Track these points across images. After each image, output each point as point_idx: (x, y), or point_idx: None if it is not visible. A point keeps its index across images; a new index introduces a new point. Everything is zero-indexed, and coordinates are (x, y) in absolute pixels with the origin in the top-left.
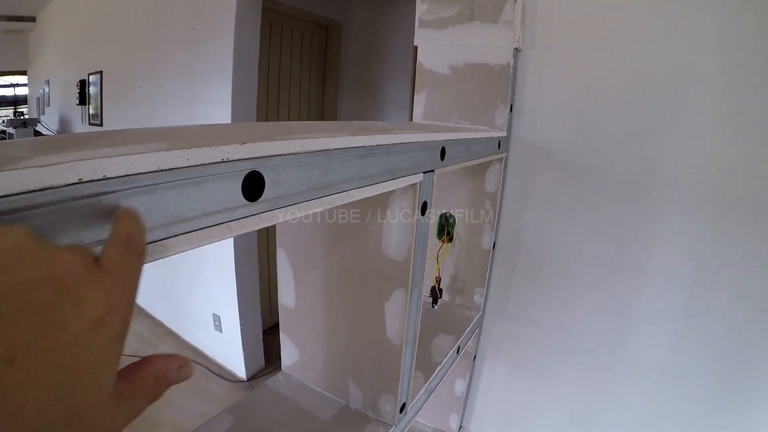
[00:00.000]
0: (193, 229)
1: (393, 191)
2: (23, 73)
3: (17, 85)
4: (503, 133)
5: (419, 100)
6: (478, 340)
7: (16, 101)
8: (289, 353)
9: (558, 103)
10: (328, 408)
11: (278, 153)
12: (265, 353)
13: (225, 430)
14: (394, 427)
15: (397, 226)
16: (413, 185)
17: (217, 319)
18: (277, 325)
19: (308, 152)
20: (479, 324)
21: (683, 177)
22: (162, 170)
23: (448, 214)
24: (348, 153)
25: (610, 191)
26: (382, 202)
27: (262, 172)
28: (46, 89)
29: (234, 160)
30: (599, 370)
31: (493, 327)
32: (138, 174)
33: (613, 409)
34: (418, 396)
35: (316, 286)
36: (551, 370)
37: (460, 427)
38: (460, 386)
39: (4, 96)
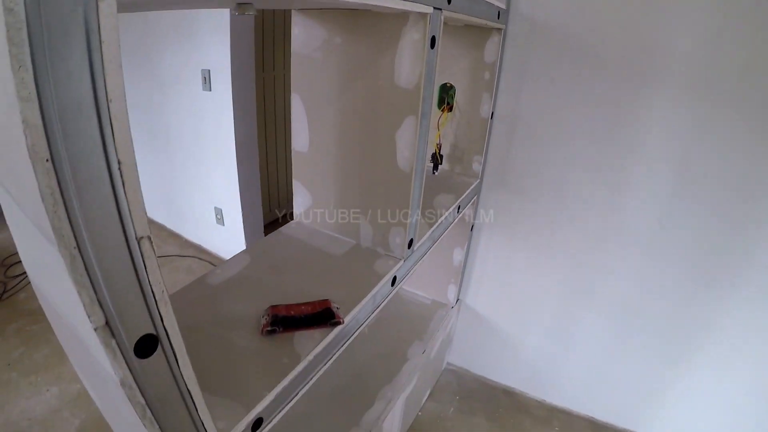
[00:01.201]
0: None
1: (405, 24)
2: None
3: None
4: (502, 5)
5: None
6: (476, 210)
7: None
8: (301, 200)
9: None
10: (340, 247)
11: None
12: None
13: (244, 266)
14: (403, 261)
15: (408, 57)
16: (424, 17)
17: (218, 212)
18: (276, 221)
19: None
20: (477, 192)
21: (676, 60)
22: None
23: (448, 85)
24: None
25: (606, 69)
26: (394, 35)
27: None
28: None
29: None
30: (591, 242)
31: (490, 197)
32: None
33: (603, 280)
34: (423, 239)
35: (329, 127)
36: (545, 240)
37: (458, 299)
38: (458, 255)
39: None
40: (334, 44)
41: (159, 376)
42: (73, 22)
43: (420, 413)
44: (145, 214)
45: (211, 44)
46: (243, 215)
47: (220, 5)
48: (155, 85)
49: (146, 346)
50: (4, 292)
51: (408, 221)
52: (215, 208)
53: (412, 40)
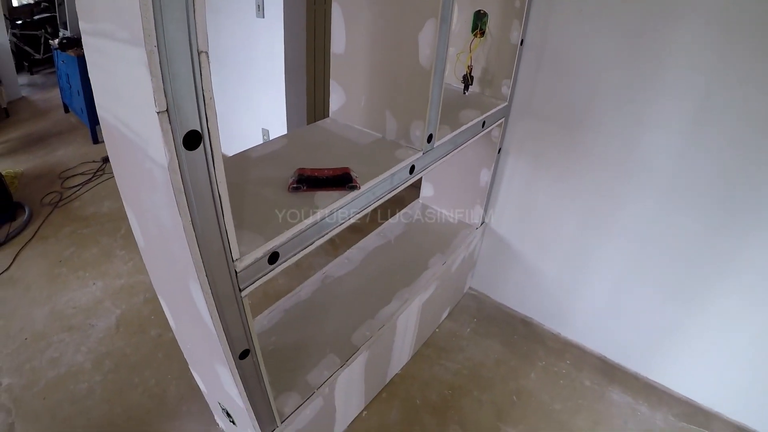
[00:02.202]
0: None
1: None
2: None
3: None
4: None
5: None
6: (503, 134)
7: None
8: (336, 98)
9: None
10: (367, 138)
11: None
12: None
13: (281, 146)
14: (422, 153)
15: None
16: None
17: (265, 133)
18: None
19: None
20: (505, 115)
21: None
22: None
23: (482, 12)
24: None
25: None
26: None
27: None
28: None
29: None
30: (612, 171)
31: (517, 121)
32: None
33: (622, 211)
34: (444, 139)
35: (362, 30)
36: (568, 168)
37: (483, 221)
38: (485, 176)
39: None
40: None
41: (198, 170)
42: None
43: (437, 329)
44: (206, 36)
45: None
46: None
47: None
48: (211, 9)
49: (192, 140)
50: (60, 200)
51: (427, 115)
52: (262, 129)
53: None
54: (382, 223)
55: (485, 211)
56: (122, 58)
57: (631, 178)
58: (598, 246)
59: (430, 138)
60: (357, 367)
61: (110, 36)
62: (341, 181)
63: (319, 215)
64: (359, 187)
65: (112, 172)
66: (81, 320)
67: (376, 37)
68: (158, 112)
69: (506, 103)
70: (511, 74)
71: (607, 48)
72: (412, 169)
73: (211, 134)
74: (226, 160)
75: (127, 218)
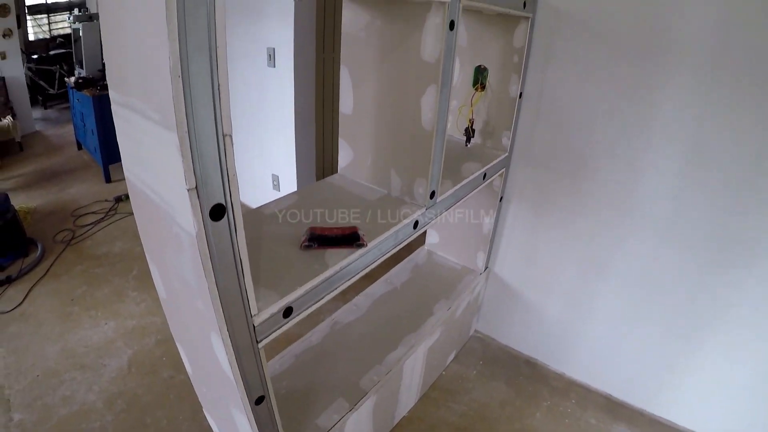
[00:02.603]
0: None
1: (429, 10)
2: None
3: None
4: None
5: None
6: (505, 182)
7: (71, 6)
8: (345, 155)
9: None
10: (373, 195)
11: None
12: None
13: (293, 203)
14: (424, 209)
15: (431, 37)
16: (443, 4)
17: (275, 179)
18: None
19: None
20: (506, 165)
21: (687, 41)
22: None
23: (482, 67)
24: None
25: (623, 51)
26: (420, 18)
27: None
28: None
29: None
30: (611, 216)
31: (517, 170)
32: None
33: (620, 254)
34: (446, 194)
35: (369, 93)
36: (569, 213)
37: (486, 267)
38: (487, 224)
39: (59, 2)
40: (375, 25)
41: (222, 238)
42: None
43: (444, 372)
44: (230, 121)
45: (276, 25)
46: (298, 183)
47: None
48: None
49: (217, 213)
50: (73, 238)
51: (429, 173)
52: (272, 174)
53: (434, 23)
54: (389, 269)
55: (488, 256)
56: (152, 135)
57: (628, 221)
58: (598, 287)
59: (432, 194)
60: (365, 410)
61: (140, 112)
62: (349, 239)
63: (329, 272)
64: (366, 245)
65: (124, 212)
66: (93, 359)
67: (382, 99)
68: (188, 189)
69: (507, 154)
70: (511, 125)
71: (602, 98)
72: (416, 225)
73: (234, 206)
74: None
75: (139, 259)
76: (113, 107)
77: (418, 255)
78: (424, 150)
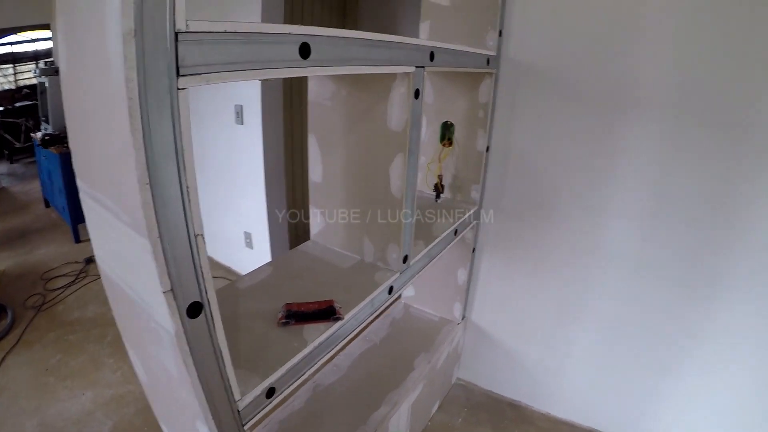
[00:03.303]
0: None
1: (394, 80)
2: (46, 27)
3: (37, 39)
4: (492, 53)
5: (424, 27)
6: (476, 234)
7: (37, 56)
8: (317, 222)
9: (542, 28)
10: (347, 262)
11: (320, 34)
12: None
13: (267, 275)
14: (398, 274)
15: (397, 106)
16: (408, 75)
17: (248, 236)
18: (301, 241)
19: (337, 36)
20: (476, 218)
21: (650, 93)
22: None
23: (448, 123)
24: (362, 42)
25: (586, 104)
26: (386, 88)
27: (310, 44)
28: None
29: (294, 34)
30: (580, 260)
31: (489, 222)
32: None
33: (593, 295)
34: (418, 256)
35: (338, 161)
36: (539, 260)
37: (464, 316)
38: (462, 276)
39: (25, 52)
40: (341, 95)
41: (201, 334)
42: (165, 102)
43: (429, 423)
44: (201, 220)
45: (243, 83)
46: (270, 239)
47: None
48: (194, 118)
49: (195, 310)
50: (44, 303)
51: (401, 239)
52: (245, 232)
53: (399, 93)
54: (367, 325)
55: (465, 306)
56: (125, 235)
57: (599, 264)
58: (574, 327)
59: (405, 258)
60: None
61: (111, 211)
62: (326, 313)
63: (308, 349)
64: (343, 318)
65: (95, 275)
66: None
67: (351, 168)
68: (164, 292)
69: (477, 207)
70: (480, 180)
71: (566, 146)
72: (390, 290)
73: (210, 302)
74: (218, 292)
75: (112, 324)
76: (81, 195)
77: (395, 309)
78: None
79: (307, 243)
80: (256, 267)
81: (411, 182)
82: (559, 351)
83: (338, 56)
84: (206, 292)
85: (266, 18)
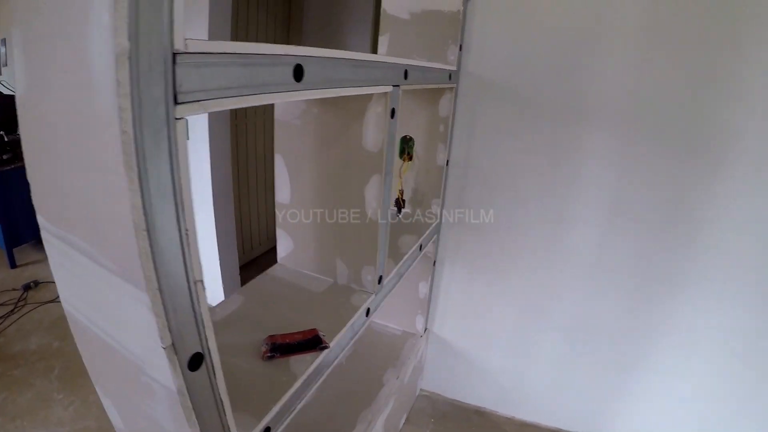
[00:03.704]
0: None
1: (370, 100)
2: None
3: None
4: (453, 68)
5: (383, 41)
6: (437, 247)
7: None
8: (284, 245)
9: (501, 43)
10: (320, 285)
11: (313, 55)
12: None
13: (239, 305)
14: (374, 296)
15: (373, 126)
16: (385, 94)
17: None
18: (251, 262)
19: (328, 57)
20: (437, 231)
21: (605, 104)
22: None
23: (408, 137)
24: (350, 62)
25: (545, 116)
26: (361, 108)
27: (303, 65)
28: (3, 49)
29: (288, 55)
30: (540, 268)
31: (449, 234)
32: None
33: (553, 300)
34: (390, 275)
35: (307, 182)
36: (500, 270)
37: (426, 329)
38: (423, 289)
39: None
40: (311, 114)
41: (202, 386)
42: (161, 134)
43: None
44: (200, 265)
45: None
46: (220, 260)
47: None
48: None
49: (196, 362)
50: None
51: (377, 261)
52: None
53: (376, 112)
54: None
55: (427, 319)
56: (107, 283)
57: (559, 270)
58: (537, 332)
59: (380, 279)
60: None
61: (87, 255)
62: (312, 343)
63: (299, 383)
64: (329, 346)
65: (35, 302)
66: None
67: (322, 188)
68: (164, 347)
69: (438, 221)
70: (440, 194)
71: (525, 158)
72: (367, 312)
73: (211, 351)
74: None
75: (59, 356)
76: (42, 232)
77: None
78: (370, 239)
79: (275, 267)
80: (209, 289)
81: (387, 203)
82: (523, 356)
83: (329, 78)
84: (207, 341)
85: (213, 32)
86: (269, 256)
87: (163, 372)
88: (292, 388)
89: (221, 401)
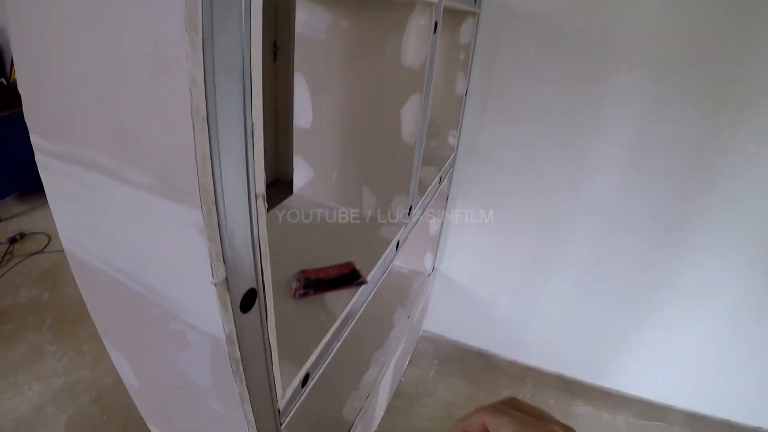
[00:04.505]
0: None
1: (412, 11)
2: None
3: None
4: None
5: None
6: (451, 181)
7: None
8: (302, 174)
9: None
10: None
11: None
12: None
13: None
14: (403, 228)
15: (415, 40)
16: (430, 5)
17: None
18: None
19: None
20: (452, 165)
21: (636, 39)
22: None
23: None
24: None
25: (571, 47)
26: (401, 20)
27: None
28: None
29: None
30: (556, 209)
31: (465, 168)
32: None
33: (567, 245)
34: (416, 207)
35: (333, 104)
36: (514, 208)
37: (434, 268)
38: (435, 226)
39: None
40: (340, 27)
41: (253, 332)
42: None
43: (402, 379)
44: (263, 175)
45: None
46: None
47: None
48: None
49: (249, 301)
50: None
51: (410, 190)
52: None
53: (418, 25)
54: None
55: (435, 257)
56: (135, 206)
57: (577, 213)
58: (547, 277)
59: (410, 210)
60: None
61: (106, 172)
62: (349, 278)
63: (338, 323)
64: (367, 281)
65: (21, 254)
66: None
67: (350, 111)
68: (215, 284)
69: (454, 153)
70: (458, 125)
71: (547, 93)
72: (398, 245)
73: (265, 287)
74: None
75: (49, 307)
76: (38, 157)
77: None
78: (404, 166)
79: (291, 199)
80: None
81: (423, 126)
82: (530, 300)
83: None
84: (262, 274)
85: None
86: (271, 190)
87: (207, 316)
88: (331, 328)
89: (270, 348)
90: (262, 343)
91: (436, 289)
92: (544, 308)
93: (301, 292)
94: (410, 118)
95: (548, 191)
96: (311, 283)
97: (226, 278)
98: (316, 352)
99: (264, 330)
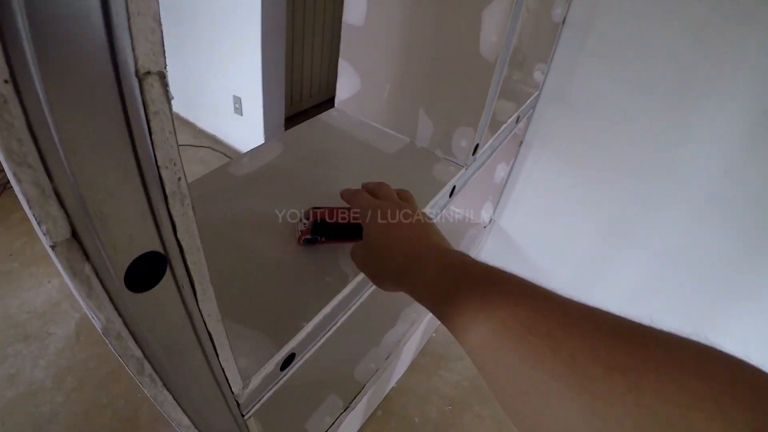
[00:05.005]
0: None
1: None
2: None
3: None
4: None
5: None
6: (528, 125)
7: None
8: (347, 84)
9: None
10: (391, 145)
11: None
12: None
13: (275, 157)
14: (464, 171)
15: None
16: None
17: (237, 101)
18: (297, 115)
19: None
20: (533, 105)
21: None
22: None
23: None
24: None
25: None
26: None
27: None
28: None
29: None
30: (647, 180)
31: (548, 112)
32: None
33: (646, 221)
34: (484, 147)
35: None
36: (598, 170)
37: (492, 219)
38: (501, 172)
39: None
40: None
41: (165, 315)
42: None
43: (434, 334)
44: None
45: None
46: (264, 106)
47: None
48: None
49: (145, 271)
50: (7, 183)
51: (480, 123)
52: (234, 96)
53: None
54: None
55: (496, 208)
56: None
57: (667, 191)
58: (616, 256)
59: (476, 148)
60: (361, 406)
61: None
62: None
63: (348, 290)
64: None
65: None
66: (38, 327)
67: (416, 8)
68: (52, 246)
69: (538, 92)
70: (548, 59)
71: (664, 35)
72: (452, 191)
73: (185, 248)
74: (196, 185)
75: None
76: None
77: None
78: (477, 89)
79: (331, 112)
80: (249, 138)
81: (511, 40)
82: (593, 278)
83: None
84: (175, 228)
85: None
86: (319, 110)
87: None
88: (337, 296)
89: (210, 336)
90: (191, 333)
91: (489, 244)
92: (607, 291)
93: (308, 237)
94: (495, 24)
95: (639, 155)
96: (321, 227)
97: (74, 233)
98: (308, 327)
99: (192, 313)
